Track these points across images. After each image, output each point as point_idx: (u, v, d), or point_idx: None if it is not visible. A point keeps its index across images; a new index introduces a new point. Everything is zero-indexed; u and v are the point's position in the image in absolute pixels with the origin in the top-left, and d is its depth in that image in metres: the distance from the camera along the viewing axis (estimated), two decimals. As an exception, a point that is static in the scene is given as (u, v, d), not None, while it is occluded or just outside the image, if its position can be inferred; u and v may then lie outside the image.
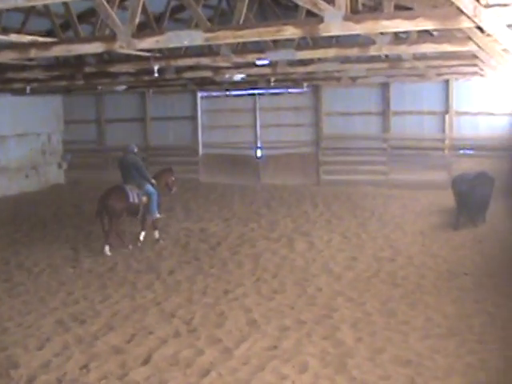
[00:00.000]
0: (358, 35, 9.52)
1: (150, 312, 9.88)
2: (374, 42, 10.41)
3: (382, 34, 10.14)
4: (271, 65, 13.87)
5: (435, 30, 10.57)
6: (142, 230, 14.45)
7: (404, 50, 10.67)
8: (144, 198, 14.02)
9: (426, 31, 11.19)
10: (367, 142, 22.00)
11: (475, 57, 12.44)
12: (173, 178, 15.52)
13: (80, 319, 9.62)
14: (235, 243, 14.35)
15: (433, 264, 12.18)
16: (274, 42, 11.99)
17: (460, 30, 9.02)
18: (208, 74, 14.83)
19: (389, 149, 21.72)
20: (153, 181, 14.29)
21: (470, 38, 9.18)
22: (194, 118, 24.15)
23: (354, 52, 11.00)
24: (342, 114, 22.21)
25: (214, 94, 23.82)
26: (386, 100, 21.71)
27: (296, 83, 20.91)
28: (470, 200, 15.15)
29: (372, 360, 7.83)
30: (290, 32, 7.23)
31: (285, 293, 10.67)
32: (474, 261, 12.36)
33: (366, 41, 11.08)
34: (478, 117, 20.72)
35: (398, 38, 11.79)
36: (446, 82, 20.77)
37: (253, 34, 7.49)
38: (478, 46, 9.26)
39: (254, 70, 14.55)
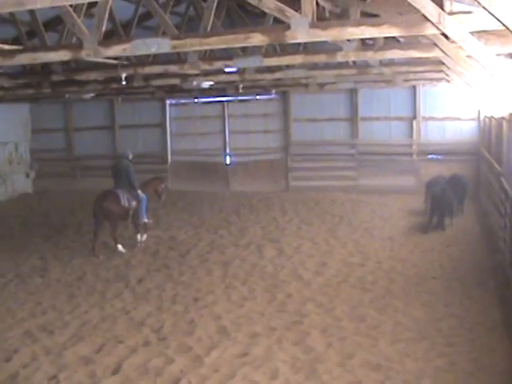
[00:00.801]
0: (325, 42, 9.58)
1: (119, 321, 9.79)
2: (340, 49, 10.48)
3: (348, 40, 10.22)
4: (239, 72, 13.87)
5: (402, 36, 10.68)
6: (137, 232, 14.90)
7: (371, 56, 10.75)
8: (134, 203, 14.41)
9: (393, 38, 11.31)
10: (336, 148, 22.14)
11: (441, 63, 12.59)
12: (162, 186, 15.94)
13: (48, 330, 9.49)
14: (205, 250, 14.30)
15: (402, 268, 12.26)
16: (243, 48, 12.02)
17: (426, 36, 9.11)
18: (176, 81, 14.80)
19: (357, 154, 21.89)
20: (139, 190, 14.58)
21: (435, 45, 9.30)
22: (162, 125, 24.08)
23: (321, 58, 11.06)
24: (311, 120, 22.33)
25: (183, 101, 23.79)
26: (354, 106, 21.88)
27: (264, 90, 20.96)
28: (442, 203, 15.34)
29: (342, 365, 7.85)
30: (257, 39, 7.25)
31: (255, 299, 10.66)
32: (443, 265, 12.46)
33: (333, 47, 11.15)
34: (445, 122, 21.02)
35: (364, 44, 11.89)
36: (413, 87, 21.02)
37: (220, 42, 7.49)
38: (444, 53, 9.39)
39: (222, 77, 14.55)
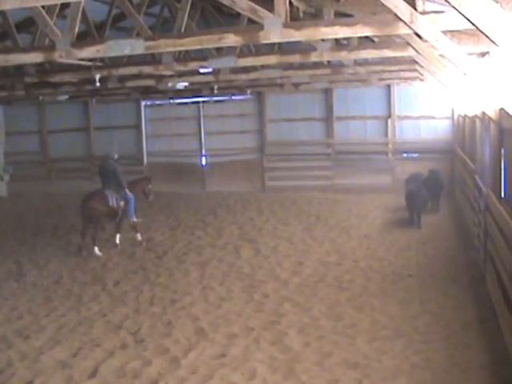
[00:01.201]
0: (299, 42, 9.60)
1: (96, 324, 9.72)
2: (315, 49, 10.52)
3: (323, 40, 10.26)
4: (214, 72, 13.87)
5: (376, 36, 10.75)
6: (117, 232, 14.99)
7: (345, 56, 10.81)
8: (122, 203, 14.63)
9: (367, 37, 11.38)
10: (311, 148, 22.24)
11: (415, 62, 12.69)
12: (150, 186, 16.19)
13: (24, 335, 9.38)
14: (182, 252, 14.27)
15: (378, 267, 12.33)
16: (217, 49, 12.01)
17: (399, 36, 9.18)
18: (151, 82, 14.76)
19: (333, 154, 21.98)
20: (126, 190, 14.77)
21: (408, 44, 9.38)
22: (138, 126, 24.00)
23: (295, 59, 11.10)
24: (286, 120, 22.39)
25: (158, 102, 23.72)
26: (329, 105, 21.98)
27: (240, 90, 20.98)
28: (416, 200, 15.53)
29: (320, 364, 7.86)
30: (231, 40, 7.26)
31: (232, 300, 10.65)
32: (419, 262, 12.55)
33: (307, 47, 11.19)
34: (420, 121, 21.20)
35: (339, 44, 11.95)
36: (388, 87, 21.17)
37: (194, 43, 7.49)
38: (417, 52, 9.47)
39: (197, 78, 14.54)
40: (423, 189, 16.02)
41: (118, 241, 14.91)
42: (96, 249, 14.16)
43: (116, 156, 15.06)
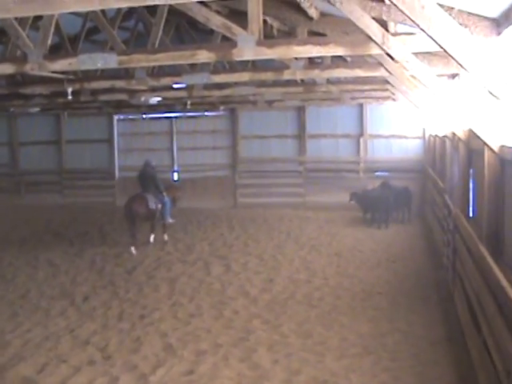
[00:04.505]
0: (273, 60, 9.69)
1: (63, 340, 9.60)
2: (288, 67, 10.61)
3: (296, 58, 10.35)
4: (187, 88, 13.89)
5: (348, 55, 10.88)
6: (152, 232, 16.39)
7: (318, 74, 10.91)
8: (159, 206, 16.18)
9: (340, 56, 11.50)
10: (283, 165, 22.35)
11: (386, 82, 12.86)
12: (179, 194, 18.07)
13: (-12, 350, 9.25)
14: (151, 267, 14.20)
15: (348, 284, 12.38)
16: (191, 65, 12.04)
17: (372, 56, 9.31)
18: (124, 96, 14.74)
19: (305, 171, 22.12)
20: (164, 194, 16.43)
21: (380, 64, 9.51)
22: (110, 140, 23.93)
23: (268, 76, 11.19)
24: (259, 137, 22.50)
25: (131, 116, 23.68)
26: (301, 123, 22.14)
27: (212, 106, 21.04)
28: (380, 204, 17.51)
29: (288, 382, 7.85)
30: (204, 56, 7.31)
31: (201, 316, 10.61)
32: (389, 280, 12.63)
33: (280, 65, 11.28)
34: (391, 140, 21.43)
35: (312, 62, 12.05)
36: (360, 105, 21.39)
37: (167, 58, 7.52)
38: (389, 72, 9.61)
39: (170, 93, 14.56)
40: (383, 193, 18.09)
41: (152, 240, 16.38)
42: (133, 248, 15.45)
43: (153, 163, 16.92)
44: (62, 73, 10.58)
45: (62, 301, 11.77)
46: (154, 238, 16.31)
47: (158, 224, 16.57)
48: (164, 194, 16.43)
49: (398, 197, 18.72)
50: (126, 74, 12.03)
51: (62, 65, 7.93)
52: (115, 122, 23.85)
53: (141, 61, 7.72)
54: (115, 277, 13.46)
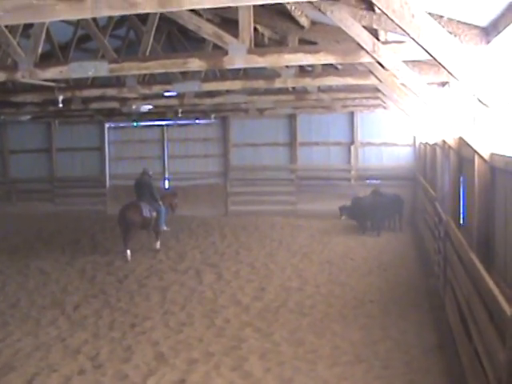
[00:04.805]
0: (264, 68, 9.71)
1: (53, 349, 9.55)
2: (279, 75, 10.64)
3: (287, 67, 10.39)
4: (179, 96, 13.91)
5: (339, 63, 10.92)
6: (157, 239, 16.72)
7: (309, 82, 10.96)
8: (154, 214, 16.21)
9: (331, 65, 11.55)
10: (275, 173, 22.39)
11: (377, 90, 12.92)
12: (176, 201, 18.13)
13: (-22, 360, 9.19)
14: (143, 275, 14.16)
15: (340, 292, 12.38)
16: (182, 73, 12.06)
17: (362, 64, 9.35)
18: (115, 104, 14.74)
19: (296, 179, 22.16)
20: (160, 202, 16.54)
21: (371, 72, 9.55)
22: (101, 149, 23.89)
23: (259, 84, 11.21)
24: (250, 145, 22.54)
25: (122, 124, 23.67)
26: (292, 131, 22.18)
27: (204, 114, 21.07)
28: (371, 211, 17.64)
29: (280, 390, 7.85)
30: (195, 64, 7.33)
31: (193, 325, 10.58)
32: (380, 288, 12.64)
33: (272, 73, 11.31)
34: (382, 147, 21.50)
35: (303, 70, 12.10)
36: (352, 113, 21.46)
37: (158, 66, 7.54)
38: (379, 80, 9.65)
39: (161, 101, 14.58)
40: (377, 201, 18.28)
41: (158, 246, 16.63)
42: (128, 252, 15.63)
43: (150, 172, 17.06)
44: (53, 81, 10.59)
45: (53, 310, 11.71)
46: (145, 247, 16.32)
47: (152, 232, 16.69)
48: (160, 202, 16.52)
49: (390, 204, 18.74)
50: (117, 82, 12.03)
51: (52, 73, 7.93)
52: (106, 130, 23.83)
53: (132, 69, 7.73)
54: (106, 285, 13.42)
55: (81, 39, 13.11)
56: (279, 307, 11.49)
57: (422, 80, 7.81)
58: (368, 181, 21.61)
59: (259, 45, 9.64)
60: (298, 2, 7.62)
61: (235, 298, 12.15)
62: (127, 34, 13.83)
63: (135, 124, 23.37)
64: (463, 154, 8.98)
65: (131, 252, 15.84)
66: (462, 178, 9.79)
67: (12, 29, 8.40)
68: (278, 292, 12.53)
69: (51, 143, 24.24)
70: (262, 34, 10.83)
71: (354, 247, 16.67)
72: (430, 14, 3.94)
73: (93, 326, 10.71)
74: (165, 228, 16.99)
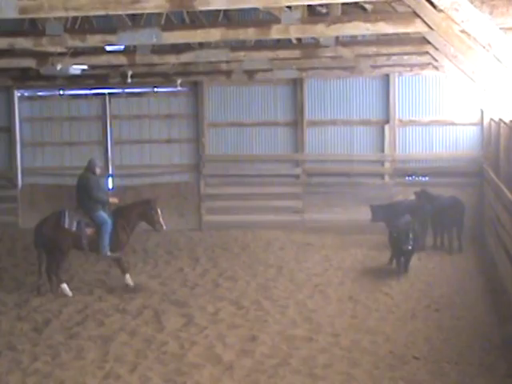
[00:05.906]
0: (255, 10, 9.61)
1: None
2: (278, 20, 10.51)
3: (289, 7, 10.26)
4: (127, 51, 13.82)
5: (368, 2, 10.82)
6: (123, 271, 16.25)
7: (322, 31, 10.81)
8: (89, 230, 15.84)
9: (356, 3, 11.43)
10: (272, 166, 22.32)
11: (425, 42, 12.81)
12: (152, 212, 16.52)
13: None
14: (73, 320, 14.04)
15: (369, 344, 12.30)
16: (132, 17, 11.95)
17: (403, 2, 9.25)
18: (29, 62, 14.61)
19: (303, 175, 22.07)
20: (100, 212, 15.96)
21: (416, 15, 9.43)
22: (9, 129, 23.69)
23: (249, 34, 11.05)
24: (235, 125, 22.46)
25: (41, 93, 23.54)
26: (298, 104, 22.08)
27: (166, 79, 20.99)
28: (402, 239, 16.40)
29: None
30: (153, 4, 7.21)
31: (149, 396, 10.52)
32: (430, 339, 12.56)
33: (267, 18, 11.22)
34: (432, 127, 21.42)
35: (313, 14, 11.99)
36: (386, 77, 21.38)
37: (95, 4, 7.40)
38: (429, 27, 9.53)
39: (101, 60, 14.46)
40: (411, 222, 16.59)
41: (129, 281, 16.10)
42: (64, 285, 15.64)
43: (97, 166, 16.32)
44: None
45: None
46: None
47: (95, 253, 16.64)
48: (100, 212, 15.99)
49: (443, 212, 18.59)
50: (32, 28, 11.91)
51: None
52: (16, 102, 23.65)
53: (55, 8, 7.59)
54: (17, 337, 13.26)
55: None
56: (278, 366, 11.39)
57: (496, 24, 7.72)
58: (410, 177, 21.53)
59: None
60: None
61: (213, 353, 12.05)
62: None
63: (61, 93, 23.23)
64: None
65: (50, 283, 15.74)
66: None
67: None
68: (277, 344, 12.45)
69: None
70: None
71: (389, 276, 16.59)
72: None
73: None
74: (109, 253, 16.17)
